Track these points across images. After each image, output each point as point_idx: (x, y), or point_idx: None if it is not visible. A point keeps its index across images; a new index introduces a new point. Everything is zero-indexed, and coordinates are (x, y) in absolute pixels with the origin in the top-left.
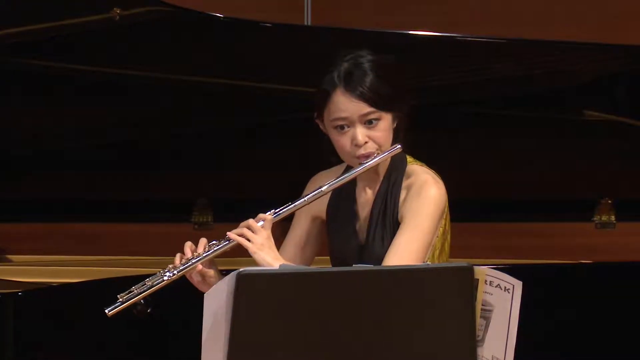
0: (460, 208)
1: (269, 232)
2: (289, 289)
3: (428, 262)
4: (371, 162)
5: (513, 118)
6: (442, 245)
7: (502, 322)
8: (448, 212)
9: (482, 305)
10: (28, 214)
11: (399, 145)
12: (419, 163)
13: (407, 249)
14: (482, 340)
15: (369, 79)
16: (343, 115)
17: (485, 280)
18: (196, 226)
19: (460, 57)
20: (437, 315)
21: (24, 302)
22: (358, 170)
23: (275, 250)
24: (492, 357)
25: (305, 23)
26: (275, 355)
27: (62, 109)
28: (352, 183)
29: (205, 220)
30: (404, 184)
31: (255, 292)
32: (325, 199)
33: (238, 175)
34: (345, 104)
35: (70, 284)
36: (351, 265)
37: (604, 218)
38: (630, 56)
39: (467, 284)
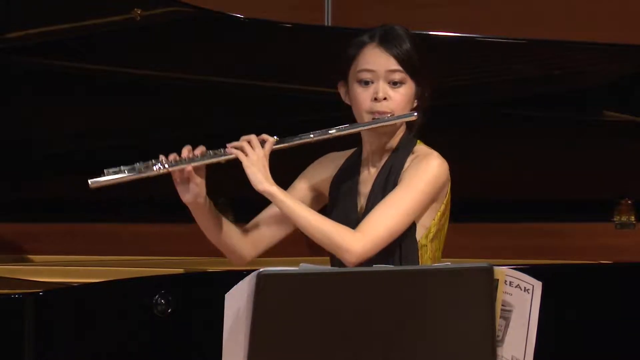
0: (481, 208)
1: (267, 152)
2: (309, 288)
3: (448, 262)
4: (385, 122)
5: (533, 118)
6: (438, 231)
7: (522, 322)
8: (449, 201)
9: (502, 305)
10: (49, 214)
11: (415, 113)
12: (428, 147)
13: (395, 204)
14: (502, 340)
15: (404, 43)
16: (371, 67)
17: (505, 281)
18: None
19: (480, 58)
20: (457, 316)
21: (45, 302)
22: (370, 124)
23: (268, 171)
24: (512, 357)
25: (326, 23)
26: (295, 355)
27: (83, 109)
28: (358, 161)
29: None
30: (409, 157)
31: (275, 292)
32: (330, 175)
33: None
34: (376, 57)
35: (90, 284)
36: None
37: (624, 218)
38: None
39: (487, 284)
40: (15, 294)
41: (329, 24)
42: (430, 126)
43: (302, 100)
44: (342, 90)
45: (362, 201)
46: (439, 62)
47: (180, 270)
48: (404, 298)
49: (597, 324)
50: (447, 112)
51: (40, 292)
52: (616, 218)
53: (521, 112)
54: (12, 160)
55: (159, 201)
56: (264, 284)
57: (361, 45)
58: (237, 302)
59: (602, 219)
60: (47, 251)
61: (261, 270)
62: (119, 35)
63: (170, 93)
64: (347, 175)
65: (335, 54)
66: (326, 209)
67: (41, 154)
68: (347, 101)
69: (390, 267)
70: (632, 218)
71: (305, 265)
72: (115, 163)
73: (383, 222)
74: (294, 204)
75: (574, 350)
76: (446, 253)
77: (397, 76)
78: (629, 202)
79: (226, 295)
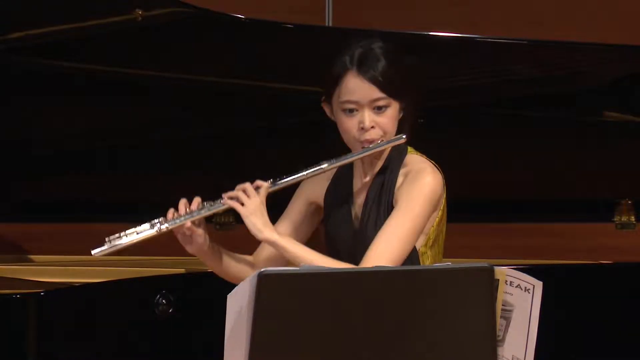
0: (481, 208)
1: (264, 199)
2: (310, 288)
3: (448, 262)
4: (375, 148)
5: (533, 118)
6: (437, 236)
7: (523, 322)
8: (445, 206)
9: (503, 305)
10: (50, 214)
11: (404, 136)
12: (419, 154)
13: (395, 232)
14: (503, 340)
15: (381, 64)
16: (353, 98)
17: (506, 281)
18: (218, 227)
19: (480, 58)
20: (458, 316)
21: (46, 302)
22: (361, 153)
23: (267, 217)
24: (513, 357)
25: (327, 24)
26: (296, 355)
27: (83, 109)
28: (350, 171)
29: (227, 220)
30: (402, 171)
31: (276, 291)
32: (324, 186)
33: (259, 176)
34: (357, 87)
35: (92, 284)
36: (345, 250)
37: (624, 219)
38: None
39: (488, 284)
40: (16, 294)
41: (330, 25)
42: (431, 127)
43: (302, 100)
44: (327, 109)
45: (356, 210)
46: (439, 62)
47: (181, 270)
48: (404, 298)
49: (597, 324)
50: (446, 112)
51: (42, 292)
52: (616, 218)
53: (521, 112)
54: (12, 160)
55: (160, 203)
56: (265, 283)
57: (342, 70)
58: (239, 302)
59: (602, 219)
60: (47, 251)
61: (262, 270)
62: (120, 36)
63: (170, 93)
64: (341, 184)
65: (335, 55)
66: (324, 221)
67: (41, 154)
68: (333, 118)
69: (390, 267)
70: (632, 218)
71: (306, 265)
72: (116, 163)
73: (384, 255)
74: (296, 248)
75: (574, 350)
76: (446, 253)
77: (381, 103)
78: (629, 202)
79: (228, 296)
